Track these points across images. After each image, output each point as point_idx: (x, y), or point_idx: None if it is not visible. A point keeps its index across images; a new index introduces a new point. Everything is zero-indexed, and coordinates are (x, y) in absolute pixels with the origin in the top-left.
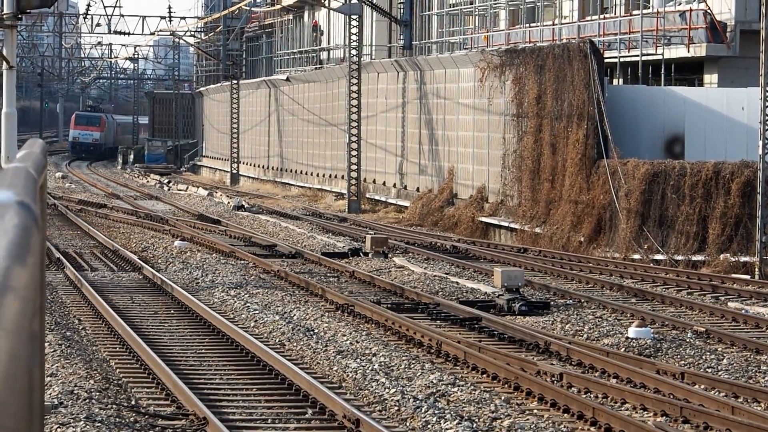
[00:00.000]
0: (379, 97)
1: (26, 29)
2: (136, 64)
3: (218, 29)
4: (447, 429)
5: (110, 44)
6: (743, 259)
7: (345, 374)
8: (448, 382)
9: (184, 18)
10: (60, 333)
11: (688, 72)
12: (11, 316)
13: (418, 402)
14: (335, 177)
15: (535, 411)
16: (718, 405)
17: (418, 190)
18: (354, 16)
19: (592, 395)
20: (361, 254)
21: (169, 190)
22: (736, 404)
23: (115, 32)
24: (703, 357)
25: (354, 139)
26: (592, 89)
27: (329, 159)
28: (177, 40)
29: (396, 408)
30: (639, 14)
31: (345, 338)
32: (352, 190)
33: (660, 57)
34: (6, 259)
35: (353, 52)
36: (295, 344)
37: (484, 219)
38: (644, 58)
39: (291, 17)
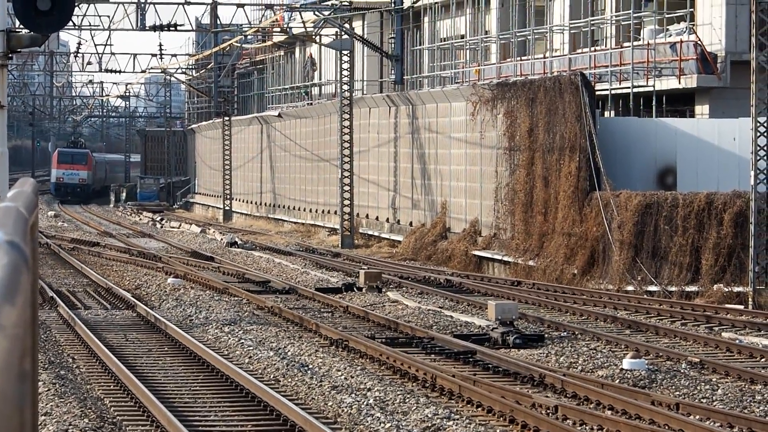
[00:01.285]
0: (371, 132)
1: (17, 68)
2: (127, 102)
3: (209, 66)
4: None
5: (101, 82)
6: (736, 289)
7: (340, 409)
8: (444, 416)
9: (175, 55)
10: (54, 372)
11: (680, 103)
12: None
13: None
14: (328, 212)
15: None
16: None
17: (411, 224)
18: (345, 52)
19: (587, 427)
20: (354, 289)
21: (161, 227)
22: None
23: (106, 70)
24: (698, 387)
25: (346, 174)
26: (583, 121)
27: (322, 194)
28: (168, 77)
29: None
30: (630, 46)
31: (340, 373)
32: (345, 225)
33: (651, 89)
34: None
35: (345, 87)
36: (289, 380)
37: (477, 252)
38: (635, 90)
39: (282, 53)
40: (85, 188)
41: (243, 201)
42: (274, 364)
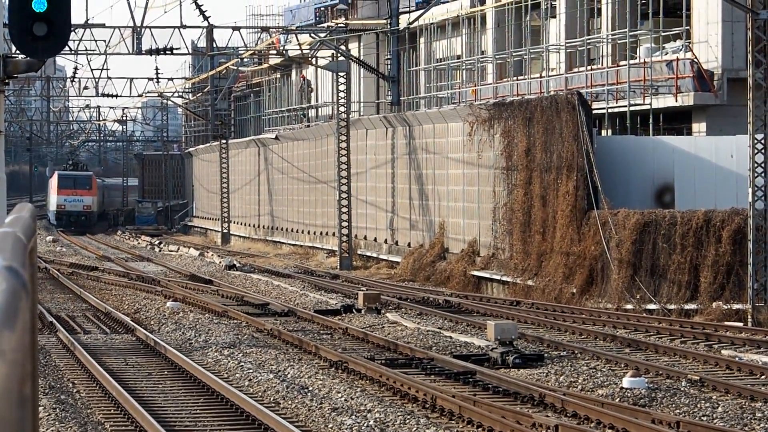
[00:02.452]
0: (369, 153)
1: (14, 94)
2: (124, 126)
3: (206, 89)
4: None
5: (98, 107)
6: (736, 306)
7: (340, 431)
8: None
9: (171, 79)
10: (54, 397)
11: (677, 121)
12: None
13: None
14: (326, 234)
15: None
16: None
17: (409, 245)
18: (341, 74)
19: None
20: (353, 311)
21: (160, 251)
22: None
23: (103, 95)
24: (698, 405)
25: (344, 195)
26: (581, 140)
27: (320, 216)
28: (165, 101)
29: None
30: (626, 65)
31: (340, 395)
32: (343, 247)
33: (648, 107)
34: None
35: (341, 109)
36: (289, 402)
37: (476, 273)
38: (632, 108)
39: (278, 76)
40: (90, 217)
41: (241, 224)
42: (274, 387)
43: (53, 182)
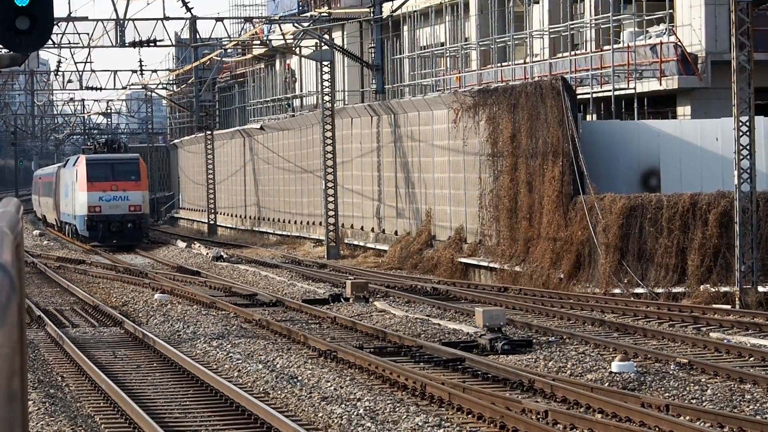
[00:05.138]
0: (354, 142)
1: None
2: (109, 119)
3: (190, 81)
4: None
5: (82, 100)
6: (723, 289)
7: (330, 420)
8: (434, 423)
9: (155, 71)
10: (43, 391)
11: (661, 105)
12: None
13: None
14: (313, 224)
15: None
16: None
17: (396, 233)
18: (325, 63)
19: (577, 431)
20: (341, 300)
21: (147, 243)
22: None
23: (87, 88)
24: (687, 388)
25: (330, 185)
26: (566, 126)
27: (306, 206)
28: (149, 93)
29: None
30: (610, 49)
31: (329, 384)
32: (330, 236)
33: (632, 91)
34: None
35: (326, 98)
36: (279, 392)
37: (463, 260)
38: (617, 92)
39: (262, 66)
40: (140, 222)
41: (227, 215)
42: (264, 377)
43: (77, 172)
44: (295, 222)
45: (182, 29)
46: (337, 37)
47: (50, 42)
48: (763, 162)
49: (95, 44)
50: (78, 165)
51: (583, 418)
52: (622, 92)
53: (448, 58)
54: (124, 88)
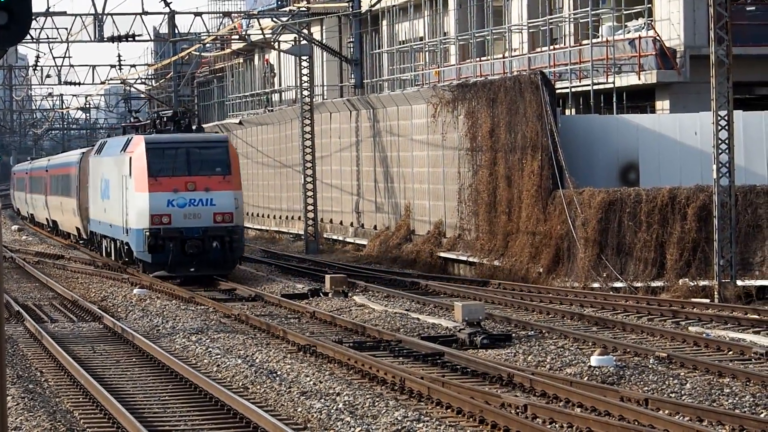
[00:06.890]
0: (333, 136)
1: None
2: (87, 114)
3: (169, 76)
4: None
5: (61, 95)
6: (702, 283)
7: (310, 415)
8: (413, 418)
9: (134, 66)
10: (22, 386)
11: (640, 99)
12: None
13: None
14: (292, 218)
15: None
16: (683, 430)
17: (375, 228)
18: (304, 57)
19: (557, 425)
20: (321, 294)
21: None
22: (701, 428)
23: (66, 83)
24: (666, 382)
25: (309, 179)
26: (545, 120)
27: (285, 200)
28: (128, 88)
29: None
30: (588, 44)
31: (308, 379)
32: (309, 230)
33: (611, 85)
34: None
35: (305, 93)
36: (258, 387)
37: (442, 254)
38: (596, 87)
39: (241, 61)
40: (232, 239)
41: None
42: (243, 372)
43: (131, 162)
44: (275, 217)
45: (161, 24)
46: (315, 31)
47: (28, 37)
48: (742, 156)
49: (74, 39)
50: (131, 150)
51: (562, 412)
52: (601, 87)
53: (427, 53)
54: (102, 83)
